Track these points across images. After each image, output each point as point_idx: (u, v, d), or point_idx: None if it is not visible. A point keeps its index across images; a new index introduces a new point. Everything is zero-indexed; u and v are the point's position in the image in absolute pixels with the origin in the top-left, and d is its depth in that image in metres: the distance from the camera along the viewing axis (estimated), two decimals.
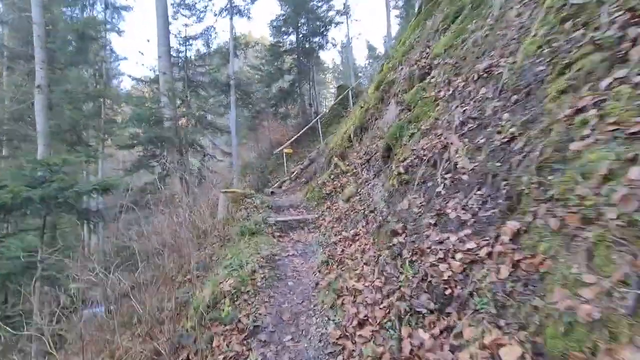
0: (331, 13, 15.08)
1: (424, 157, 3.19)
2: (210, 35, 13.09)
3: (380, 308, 2.26)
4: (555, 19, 2.40)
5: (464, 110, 3.05)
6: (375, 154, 5.39)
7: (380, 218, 3.42)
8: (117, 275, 4.34)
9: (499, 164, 2.21)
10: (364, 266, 2.87)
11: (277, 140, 14.81)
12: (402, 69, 6.50)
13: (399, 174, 3.36)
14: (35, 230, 5.46)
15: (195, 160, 14.55)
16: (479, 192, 2.26)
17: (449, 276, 1.94)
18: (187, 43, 13.18)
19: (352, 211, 4.63)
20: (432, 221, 2.42)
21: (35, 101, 10.30)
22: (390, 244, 2.76)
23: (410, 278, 2.23)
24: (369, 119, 6.70)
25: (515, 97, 2.54)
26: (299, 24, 14.48)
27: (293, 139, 12.31)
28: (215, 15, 13.25)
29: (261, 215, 5.26)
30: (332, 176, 6.05)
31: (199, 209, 7.49)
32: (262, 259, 3.88)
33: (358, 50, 59.13)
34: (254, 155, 16.53)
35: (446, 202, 2.49)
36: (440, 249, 2.12)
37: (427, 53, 5.91)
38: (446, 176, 2.74)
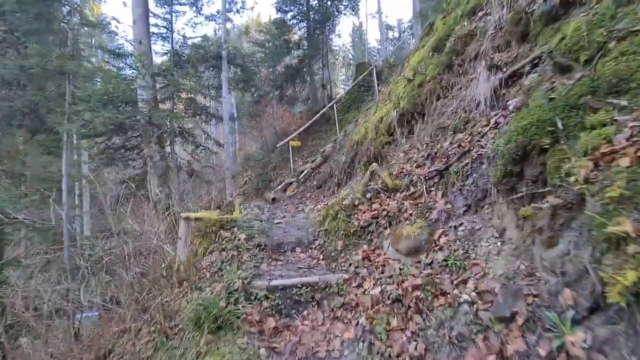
0: None
1: None
2: None
3: None
4: None
5: None
6: (457, 160, 2.85)
7: None
8: None
9: None
10: None
11: (282, 130, 12.19)
12: (488, 12, 3.86)
13: None
14: None
15: (186, 153, 12.12)
16: None
17: None
18: (174, 10, 10.55)
19: (431, 292, 2.13)
20: None
21: None
22: None
23: None
24: (427, 99, 4.10)
25: None
26: None
27: (302, 128, 9.73)
28: None
29: (242, 274, 2.80)
30: (368, 194, 3.54)
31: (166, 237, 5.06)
32: None
33: (371, 34, 54.83)
34: (257, 146, 13.93)
35: None
36: None
37: None
38: None
